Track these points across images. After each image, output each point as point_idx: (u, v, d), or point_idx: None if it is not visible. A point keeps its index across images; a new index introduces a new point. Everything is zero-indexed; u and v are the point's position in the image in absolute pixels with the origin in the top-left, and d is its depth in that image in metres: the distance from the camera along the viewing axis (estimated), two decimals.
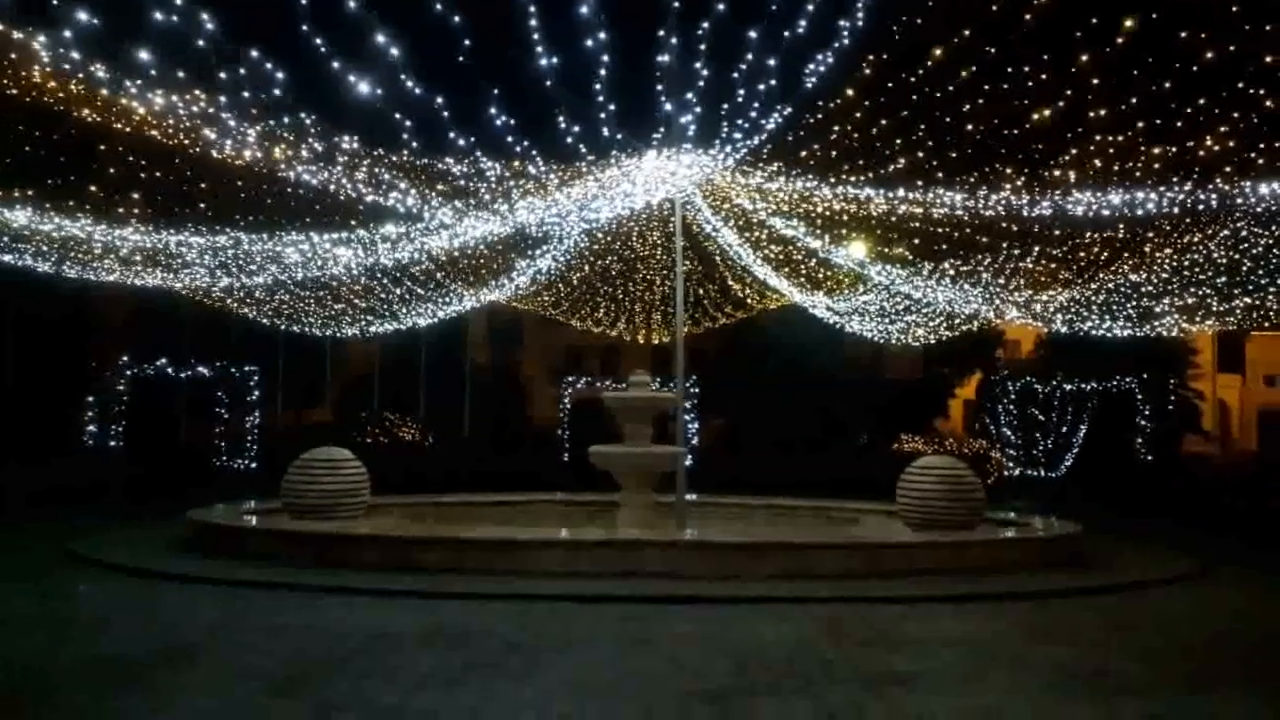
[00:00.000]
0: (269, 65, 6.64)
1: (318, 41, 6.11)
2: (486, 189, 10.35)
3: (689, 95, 8.50)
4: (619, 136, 8.80)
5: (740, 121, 9.28)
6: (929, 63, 8.72)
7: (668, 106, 8.62)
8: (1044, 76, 9.00)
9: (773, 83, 8.29)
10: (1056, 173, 10.51)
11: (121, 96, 7.37)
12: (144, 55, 6.36)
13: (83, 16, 5.78)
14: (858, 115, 9.33)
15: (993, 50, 8.74)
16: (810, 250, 15.16)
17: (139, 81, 6.96)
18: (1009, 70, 9.00)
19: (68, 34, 6.06)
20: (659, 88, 8.22)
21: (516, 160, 9.52)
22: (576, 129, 8.39)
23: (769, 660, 6.76)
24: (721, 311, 21.20)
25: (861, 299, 18.25)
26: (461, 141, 8.41)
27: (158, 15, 5.66)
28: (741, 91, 8.44)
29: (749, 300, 20.07)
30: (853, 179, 11.16)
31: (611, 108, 8.15)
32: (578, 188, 11.22)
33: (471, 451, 25.39)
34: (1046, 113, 9.29)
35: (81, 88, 7.41)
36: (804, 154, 10.56)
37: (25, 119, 8.98)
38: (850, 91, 8.90)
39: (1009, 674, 6.52)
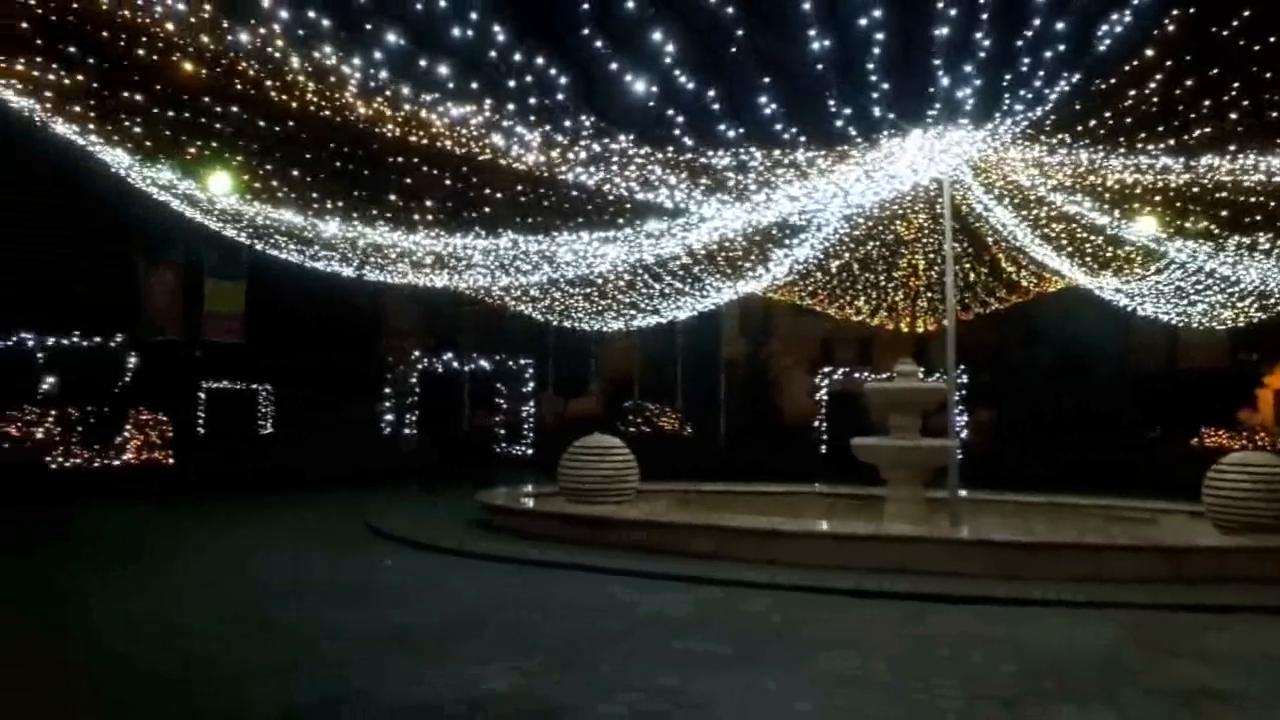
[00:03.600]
0: (552, 71, 7.00)
1: (597, 44, 6.37)
2: (752, 179, 10.35)
3: (967, 68, 8.05)
4: (890, 116, 8.49)
5: (1022, 92, 8.67)
6: (1245, 14, 7.76)
7: (945, 81, 8.21)
8: None
9: (1060, 48, 7.68)
10: None
11: (420, 110, 8.06)
12: (442, 70, 6.91)
13: (390, 38, 6.37)
14: (1158, 77, 8.45)
15: None
16: (1096, 227, 13.96)
17: (435, 95, 7.59)
18: None
19: (377, 55, 6.71)
20: (935, 62, 7.85)
21: (781, 148, 9.44)
22: (846, 112, 8.18)
23: (1064, 666, 6.30)
24: (993, 296, 20.03)
25: (1154, 279, 16.61)
26: (730, 133, 8.45)
27: (455, 31, 6.13)
28: (1025, 60, 7.88)
29: (1024, 283, 18.82)
30: (1149, 148, 10.14)
31: (885, 87, 7.88)
32: (841, 172, 10.97)
33: (728, 442, 25.63)
34: None
35: (386, 105, 8.18)
36: (1093, 123, 9.71)
37: (337, 137, 10.03)
38: (1150, 52, 8.08)
39: None
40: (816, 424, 25.05)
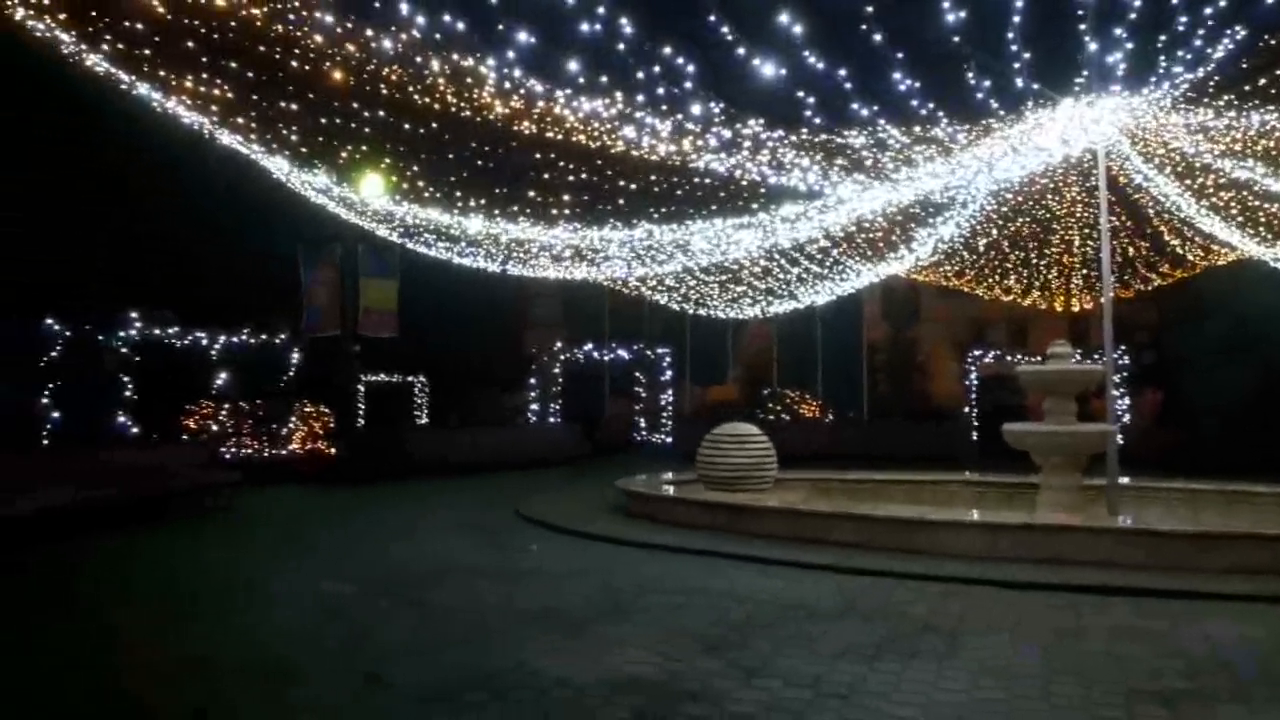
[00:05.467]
0: (680, 60, 7.02)
1: (724, 30, 6.35)
2: (889, 157, 10.08)
3: (1117, 31, 7.58)
4: (1034, 87, 8.09)
5: (1180, 53, 8.10)
6: None
7: (1092, 47, 7.76)
8: None
9: (1222, 3, 7.13)
10: None
11: (554, 106, 8.25)
12: (572, 65, 7.05)
13: (522, 37, 6.54)
14: None
15: None
16: (1271, 194, 12.93)
17: (568, 91, 7.74)
18: None
19: (510, 54, 6.90)
20: (1081, 28, 7.43)
21: (919, 125, 9.16)
22: (986, 84, 7.85)
23: (1231, 664, 5.91)
24: (1156, 272, 18.85)
25: None
26: (864, 112, 8.26)
27: (584, 26, 6.24)
28: (1183, 19, 7.36)
29: (1190, 257, 17.63)
30: None
31: (1025, 57, 7.51)
32: (985, 147, 10.55)
33: (871, 429, 25.12)
34: None
35: (521, 103, 8.41)
36: (1263, 82, 8.98)
37: (476, 136, 10.38)
38: None
39: None
40: (966, 409, 24.23)
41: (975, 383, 24.45)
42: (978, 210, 14.89)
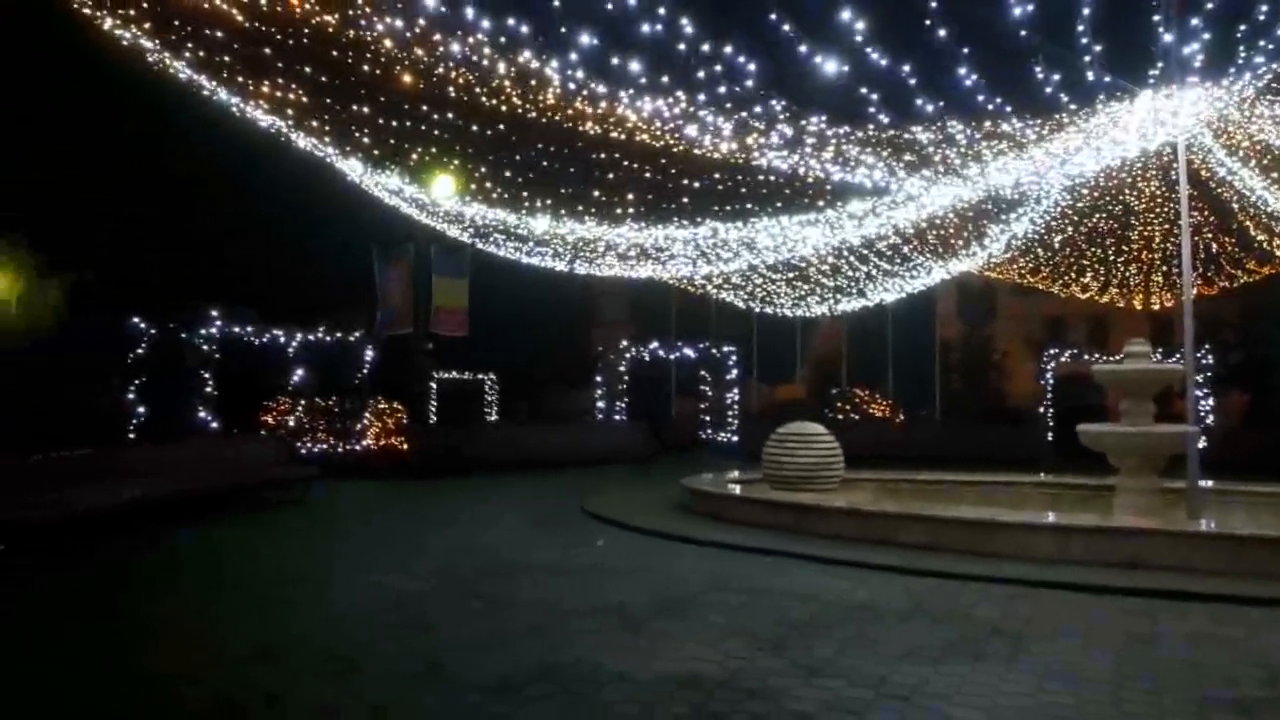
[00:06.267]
0: (741, 59, 7.01)
1: (786, 28, 6.33)
2: (956, 154, 9.91)
3: (1194, 20, 7.34)
4: (1106, 79, 7.87)
5: (1263, 43, 7.79)
6: None
7: (1167, 37, 7.52)
8: None
9: None
10: None
11: (617, 106, 8.31)
12: (634, 66, 7.10)
13: (584, 39, 6.60)
14: None
15: None
16: None
17: (631, 91, 7.79)
18: None
19: (573, 56, 6.98)
20: (1155, 18, 7.22)
21: (988, 120, 8.98)
22: (1055, 78, 7.66)
23: None
24: (1241, 268, 18.15)
25: None
26: (929, 108, 8.13)
27: (645, 28, 6.27)
28: (1263, 8, 7.07)
29: (1278, 254, 16.95)
30: None
31: (1097, 49, 7.31)
32: (1058, 141, 10.30)
33: (943, 428, 24.72)
34: None
35: (585, 104, 8.49)
36: None
37: (541, 138, 10.51)
38: None
39: None
40: (1042, 409, 23.67)
41: (1051, 382, 23.87)
42: (1051, 206, 14.54)
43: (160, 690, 5.43)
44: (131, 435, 18.00)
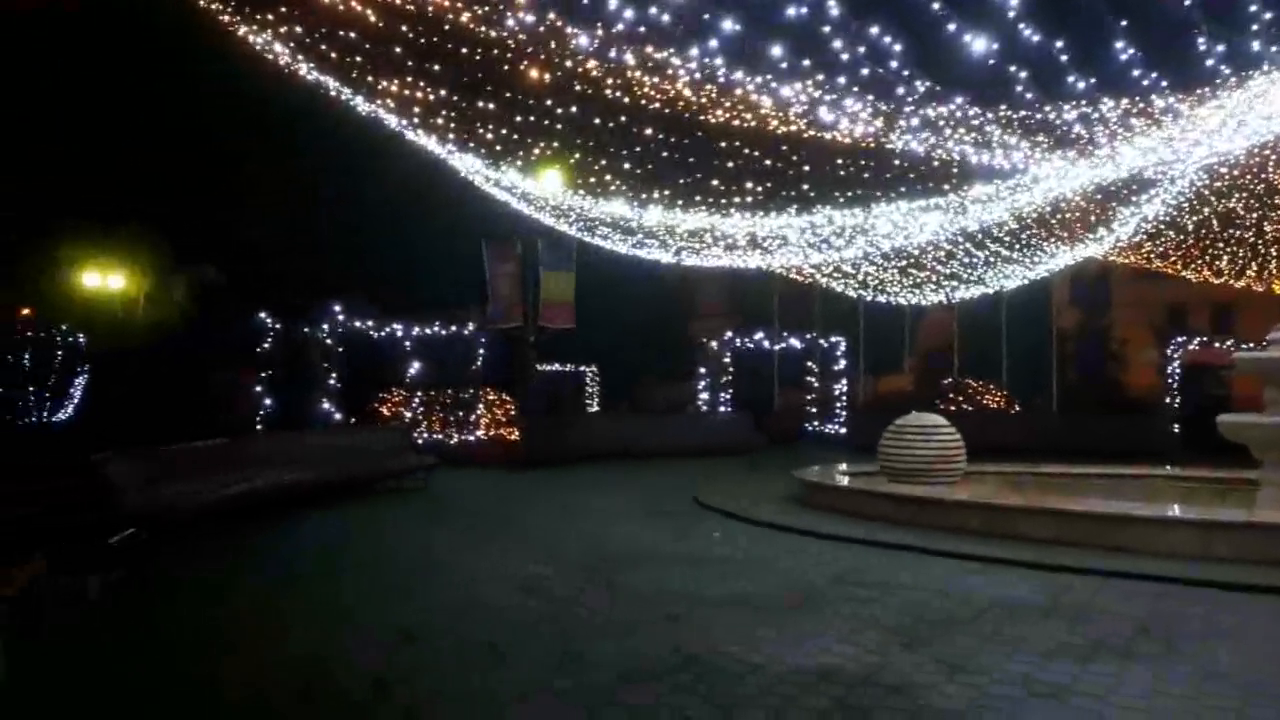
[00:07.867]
0: (886, 39, 6.84)
1: (935, 6, 6.13)
2: (1100, 131, 9.48)
3: None
4: (1274, 49, 7.37)
5: None
6: None
7: None
8: None
9: None
10: None
11: (749, 93, 8.24)
12: (776, 50, 7.00)
13: (727, 25, 6.54)
14: None
15: None
16: None
17: (767, 76, 7.69)
18: None
19: (713, 44, 6.93)
20: None
21: (1142, 96, 8.55)
22: (1219, 49, 7.22)
23: None
24: None
25: None
26: (1080, 85, 7.78)
27: (790, 11, 6.18)
28: None
29: None
30: None
31: (1266, 17, 6.84)
32: (1202, 118, 9.77)
33: (1061, 419, 23.85)
34: None
35: (715, 92, 8.44)
36: None
37: (665, 128, 10.50)
38: None
39: None
40: (1166, 399, 22.63)
41: (1177, 372, 22.82)
42: (1187, 187, 13.85)
43: (320, 671, 5.65)
44: (259, 426, 18.80)
